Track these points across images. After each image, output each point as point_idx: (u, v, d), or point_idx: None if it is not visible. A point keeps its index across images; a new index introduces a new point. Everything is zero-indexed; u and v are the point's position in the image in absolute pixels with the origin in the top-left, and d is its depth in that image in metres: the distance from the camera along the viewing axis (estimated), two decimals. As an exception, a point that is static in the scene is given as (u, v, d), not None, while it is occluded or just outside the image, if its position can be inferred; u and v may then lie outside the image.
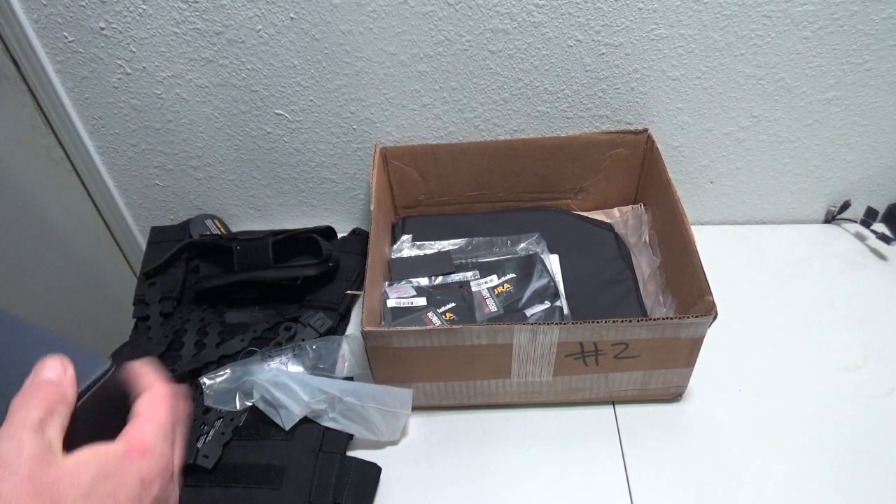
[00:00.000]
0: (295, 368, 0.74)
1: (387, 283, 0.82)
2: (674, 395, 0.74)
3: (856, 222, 0.94)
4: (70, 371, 0.34)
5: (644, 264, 0.85)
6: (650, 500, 0.66)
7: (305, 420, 0.69)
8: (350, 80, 0.82)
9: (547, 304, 0.77)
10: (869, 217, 0.92)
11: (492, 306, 0.78)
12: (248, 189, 0.95)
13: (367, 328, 0.65)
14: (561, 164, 0.90)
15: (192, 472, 0.66)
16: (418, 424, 0.73)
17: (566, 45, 0.80)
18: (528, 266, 0.82)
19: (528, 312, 0.77)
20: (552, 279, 0.81)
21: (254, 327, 0.81)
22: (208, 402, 0.69)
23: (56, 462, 0.31)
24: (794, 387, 0.76)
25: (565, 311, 0.78)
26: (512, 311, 0.77)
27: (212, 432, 0.68)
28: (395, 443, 0.72)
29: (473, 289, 0.80)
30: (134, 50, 0.80)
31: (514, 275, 0.81)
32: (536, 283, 0.80)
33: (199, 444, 0.67)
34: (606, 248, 0.88)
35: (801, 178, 0.93)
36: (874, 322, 0.83)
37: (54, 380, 0.33)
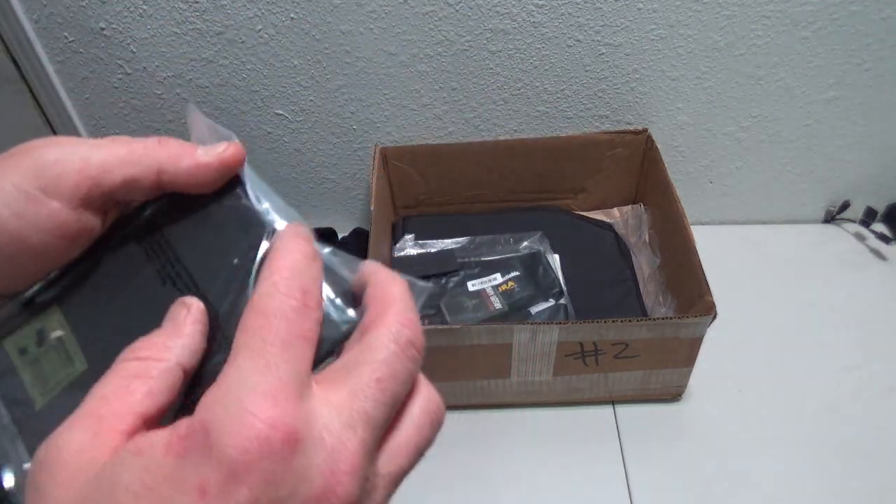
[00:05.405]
0: None
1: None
2: (674, 394, 0.74)
3: (855, 222, 0.94)
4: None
5: (644, 264, 0.86)
6: (650, 499, 0.66)
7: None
8: (350, 81, 0.83)
9: (552, 302, 0.78)
10: (868, 217, 0.92)
11: (497, 304, 0.78)
12: (248, 189, 0.95)
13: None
14: (561, 164, 0.90)
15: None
16: (418, 424, 0.73)
17: (566, 45, 0.80)
18: (532, 264, 0.82)
19: (534, 310, 0.77)
20: (556, 277, 0.81)
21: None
22: None
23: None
24: (794, 387, 0.76)
25: (570, 309, 0.78)
26: (517, 308, 0.78)
27: None
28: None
29: (478, 287, 0.81)
30: (134, 50, 0.80)
31: (518, 273, 0.82)
32: (541, 281, 0.80)
33: None
34: (606, 248, 0.88)
35: (801, 178, 0.93)
36: (874, 322, 0.83)
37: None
